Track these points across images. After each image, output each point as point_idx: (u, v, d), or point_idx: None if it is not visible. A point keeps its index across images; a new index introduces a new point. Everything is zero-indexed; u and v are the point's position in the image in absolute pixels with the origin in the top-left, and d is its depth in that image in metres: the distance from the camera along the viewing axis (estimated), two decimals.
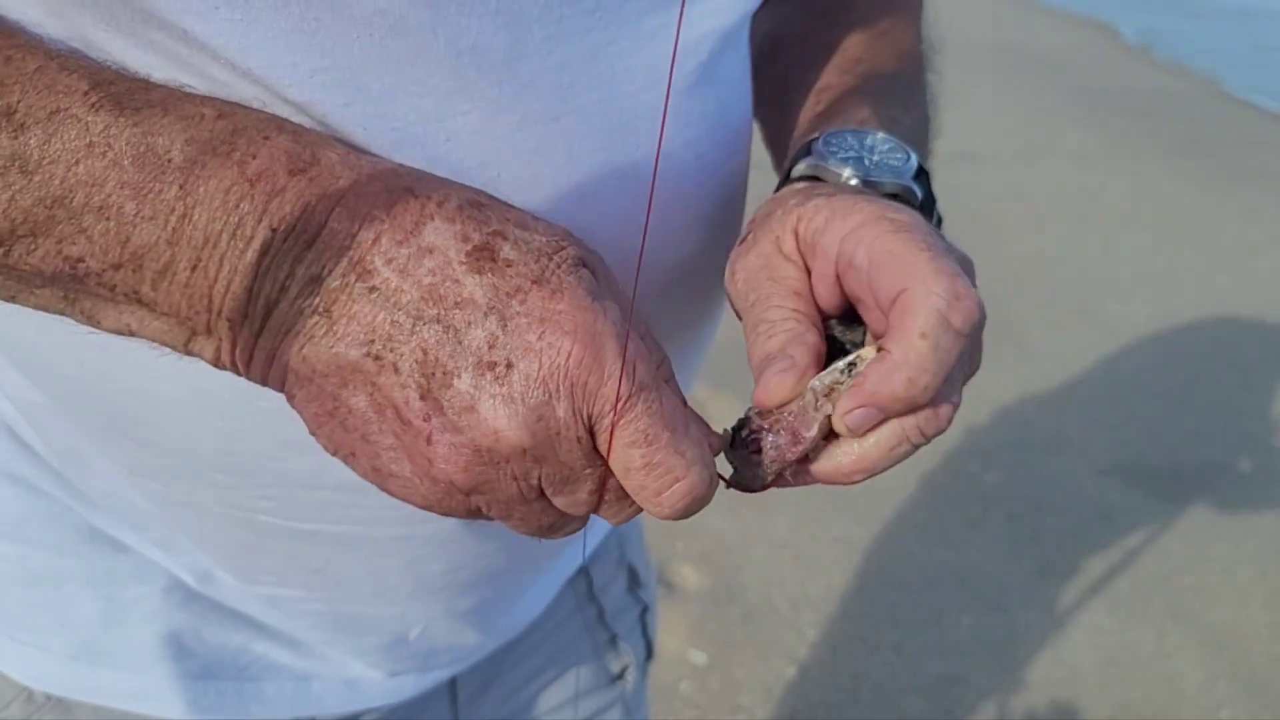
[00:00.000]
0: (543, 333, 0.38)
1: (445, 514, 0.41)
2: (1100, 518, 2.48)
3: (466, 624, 0.69)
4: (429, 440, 0.38)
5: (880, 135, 0.52)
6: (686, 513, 0.41)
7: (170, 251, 0.37)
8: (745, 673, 1.98)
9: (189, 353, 0.40)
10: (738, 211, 0.59)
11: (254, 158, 0.38)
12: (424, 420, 0.38)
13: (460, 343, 0.38)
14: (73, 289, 0.39)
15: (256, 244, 0.37)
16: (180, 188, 0.37)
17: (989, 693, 2.01)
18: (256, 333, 0.39)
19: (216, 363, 0.40)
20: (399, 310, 0.38)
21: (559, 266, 0.39)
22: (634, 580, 0.89)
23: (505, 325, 0.38)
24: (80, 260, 0.38)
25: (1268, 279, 3.74)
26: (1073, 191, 4.43)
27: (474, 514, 0.42)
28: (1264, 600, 2.29)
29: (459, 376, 0.38)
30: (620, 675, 0.89)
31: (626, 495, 0.41)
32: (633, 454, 0.39)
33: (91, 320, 0.40)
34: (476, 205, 0.40)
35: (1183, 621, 2.22)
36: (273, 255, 0.38)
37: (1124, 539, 2.42)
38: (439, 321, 0.38)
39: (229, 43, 0.41)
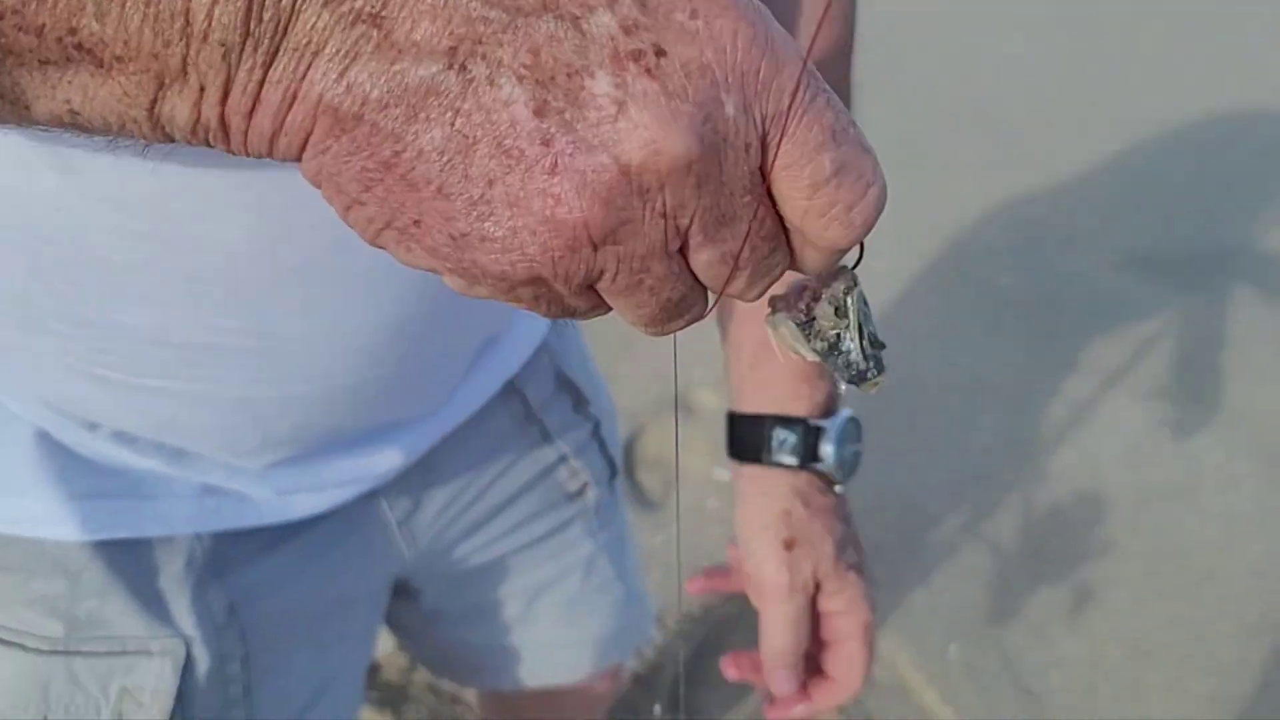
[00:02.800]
0: (694, 9, 0.29)
1: (558, 281, 0.32)
2: (1117, 311, 2.47)
3: (332, 460, 0.68)
4: (552, 169, 0.29)
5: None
6: (867, 230, 0.33)
7: None
8: None
9: (157, 123, 0.30)
10: None
11: None
12: (543, 144, 0.29)
13: (583, 33, 0.29)
14: None
15: None
16: None
17: (1012, 487, 2.04)
18: (267, 60, 0.29)
19: (195, 127, 0.30)
20: (484, 4, 0.28)
21: None
22: (579, 399, 0.87)
23: (644, 3, 0.29)
24: None
25: (1278, 66, 3.63)
26: None
27: (590, 284, 0.32)
28: None
29: (591, 76, 0.29)
30: (579, 493, 0.88)
31: (778, 242, 0.33)
32: (822, 160, 0.31)
33: (19, 104, 0.30)
34: None
35: (1201, 403, 2.23)
36: None
37: (1141, 329, 2.42)
38: (547, 10, 0.29)
39: None
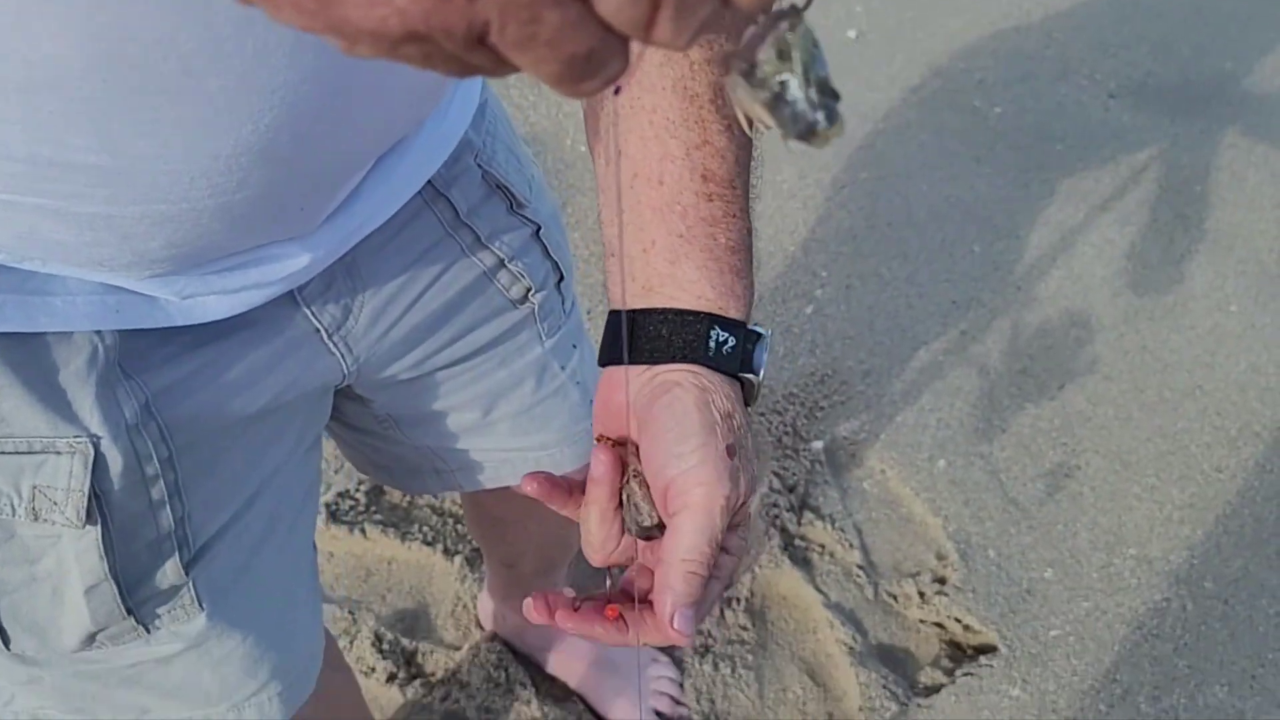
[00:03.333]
0: None
1: (438, 35, 0.29)
2: (1109, 140, 2.45)
3: (228, 270, 0.66)
4: None
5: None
6: None
7: None
8: (761, 314, 2.03)
9: None
10: None
11: None
12: None
13: None
14: None
15: None
16: None
17: (1002, 311, 2.06)
18: None
19: None
20: None
21: None
22: (513, 202, 0.84)
23: None
24: None
25: None
26: None
27: (478, 36, 0.29)
28: (1274, 200, 2.30)
29: None
30: (523, 299, 0.87)
31: None
32: None
33: None
34: None
35: (1191, 228, 2.24)
36: None
37: (1133, 157, 2.40)
38: None
39: None
